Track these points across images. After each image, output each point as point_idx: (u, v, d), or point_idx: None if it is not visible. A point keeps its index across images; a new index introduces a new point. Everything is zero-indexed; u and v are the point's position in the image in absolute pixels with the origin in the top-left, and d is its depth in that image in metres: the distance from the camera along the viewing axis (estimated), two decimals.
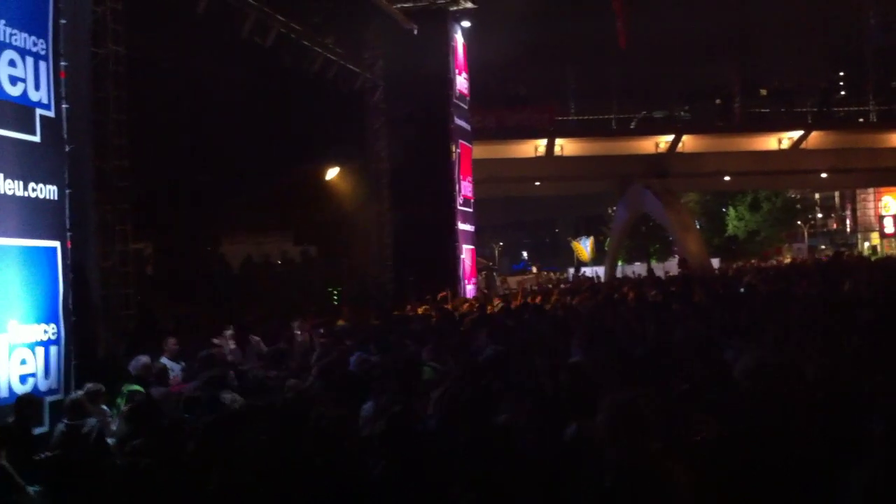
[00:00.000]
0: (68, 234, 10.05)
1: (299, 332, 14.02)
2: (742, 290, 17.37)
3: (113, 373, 9.84)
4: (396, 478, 4.90)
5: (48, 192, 9.68)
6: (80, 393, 8.51)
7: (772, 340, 7.45)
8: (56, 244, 9.84)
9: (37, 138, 9.54)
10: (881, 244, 69.37)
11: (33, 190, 9.45)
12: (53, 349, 9.66)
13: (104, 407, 8.73)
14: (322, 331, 14.21)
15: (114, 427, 8.42)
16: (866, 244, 71.35)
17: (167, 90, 15.06)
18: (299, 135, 18.70)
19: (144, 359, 10.03)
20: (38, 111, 9.60)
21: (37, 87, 9.60)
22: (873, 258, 40.78)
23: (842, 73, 62.00)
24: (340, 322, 16.21)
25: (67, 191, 10.03)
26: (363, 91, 22.07)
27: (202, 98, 15.91)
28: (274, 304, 18.96)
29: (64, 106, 10.03)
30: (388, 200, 22.65)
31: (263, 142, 17.74)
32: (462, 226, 25.47)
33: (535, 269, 65.64)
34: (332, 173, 20.69)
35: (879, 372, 6.33)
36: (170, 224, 17.11)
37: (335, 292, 22.06)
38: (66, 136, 10.05)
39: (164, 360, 10.82)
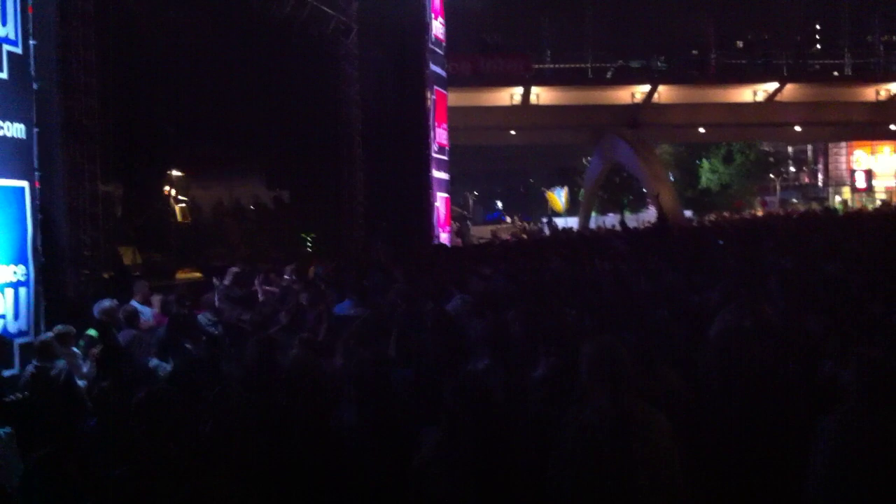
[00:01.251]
0: (37, 173, 9.89)
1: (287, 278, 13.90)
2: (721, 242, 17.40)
3: (82, 315, 9.75)
4: (370, 424, 4.88)
5: (16, 130, 9.48)
6: (49, 335, 8.42)
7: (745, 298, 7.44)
8: (24, 184, 9.67)
9: (4, 75, 9.32)
10: (852, 198, 70.01)
11: (0, 128, 9.26)
12: (23, 290, 9.55)
13: (75, 349, 8.66)
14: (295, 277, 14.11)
15: (84, 370, 8.37)
16: (837, 198, 71.99)
17: (135, 31, 14.76)
18: (270, 78, 18.42)
19: (107, 302, 9.84)
20: (5, 47, 9.36)
21: (3, 23, 9.34)
22: (842, 211, 41.13)
23: (818, 27, 62.00)
24: (312, 270, 16.14)
25: (35, 129, 9.84)
26: (336, 34, 21.74)
27: (171, 40, 15.64)
28: (245, 249, 18.87)
29: (31, 42, 9.80)
30: (361, 147, 22.44)
31: (233, 86, 17.46)
32: (436, 173, 25.38)
33: (510, 220, 65.67)
34: None
35: (847, 323, 6.39)
36: (140, 167, 16.87)
37: (308, 238, 21.93)
38: (33, 73, 9.84)
39: (133, 303, 10.70)
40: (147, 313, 10.77)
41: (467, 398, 4.21)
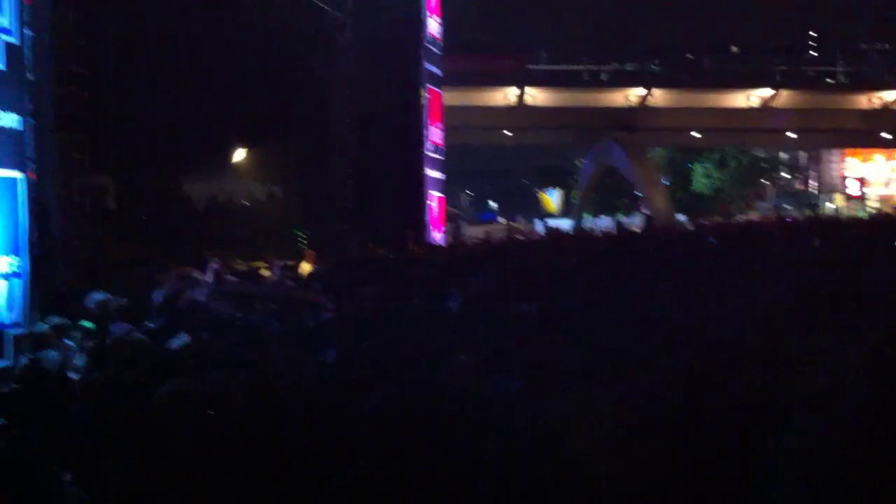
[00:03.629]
0: (31, 164, 9.91)
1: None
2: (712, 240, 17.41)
3: (74, 307, 9.76)
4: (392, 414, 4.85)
5: (10, 120, 9.50)
6: (43, 326, 8.45)
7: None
8: (18, 175, 9.69)
9: (1, 66, 9.35)
10: (845, 205, 70.20)
11: None
12: (17, 282, 9.56)
13: (68, 341, 8.67)
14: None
15: (78, 362, 8.38)
16: (829, 205, 72.17)
17: (129, 22, 14.77)
18: (264, 72, 18.43)
19: (100, 295, 9.86)
20: (2, 37, 9.38)
21: (0, 13, 9.39)
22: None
23: (811, 33, 62.16)
24: (304, 265, 16.19)
25: (30, 120, 9.86)
26: (330, 30, 21.73)
27: (165, 32, 15.63)
28: (238, 245, 18.87)
29: (27, 33, 9.82)
30: (354, 144, 22.44)
31: (227, 79, 17.46)
32: (430, 172, 25.37)
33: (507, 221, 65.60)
34: None
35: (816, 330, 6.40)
36: (132, 160, 16.87)
37: (301, 235, 21.95)
38: (28, 63, 9.86)
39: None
40: None
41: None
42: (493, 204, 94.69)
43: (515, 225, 55.63)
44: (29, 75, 9.89)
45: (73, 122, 11.58)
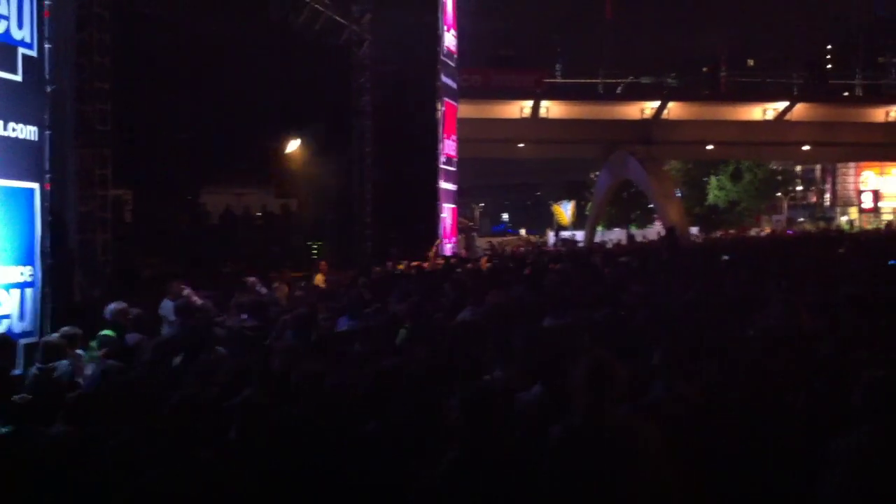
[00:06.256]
0: (47, 176, 9.94)
1: (276, 286, 13.91)
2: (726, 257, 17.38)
3: (89, 318, 9.77)
4: (391, 435, 4.85)
5: (28, 132, 9.55)
6: (54, 336, 8.44)
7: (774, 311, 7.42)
8: (35, 186, 9.73)
9: (18, 77, 9.39)
10: (859, 218, 69.94)
11: (13, 129, 9.31)
12: (29, 291, 9.59)
13: (79, 351, 8.66)
14: (303, 284, 14.15)
15: (88, 371, 8.37)
16: (844, 218, 71.92)
17: (150, 39, 14.87)
18: (283, 86, 18.52)
19: (118, 305, 9.89)
20: (21, 50, 9.44)
21: (20, 26, 9.44)
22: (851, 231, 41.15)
23: (829, 47, 62.03)
24: (318, 277, 16.17)
25: (48, 132, 9.90)
26: (349, 44, 21.84)
27: (185, 48, 15.73)
28: (252, 257, 18.87)
29: (47, 46, 9.87)
30: (371, 156, 22.52)
31: (246, 93, 17.55)
32: (444, 184, 25.41)
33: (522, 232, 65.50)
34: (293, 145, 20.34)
35: (861, 345, 6.37)
36: (150, 172, 16.94)
37: (314, 247, 21.98)
38: (48, 76, 9.90)
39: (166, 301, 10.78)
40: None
41: (482, 414, 4.21)
42: (505, 216, 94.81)
43: (528, 237, 55.58)
44: (48, 88, 9.92)
45: (95, 137, 11.62)
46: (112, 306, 9.62)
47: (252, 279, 13.15)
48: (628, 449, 4.04)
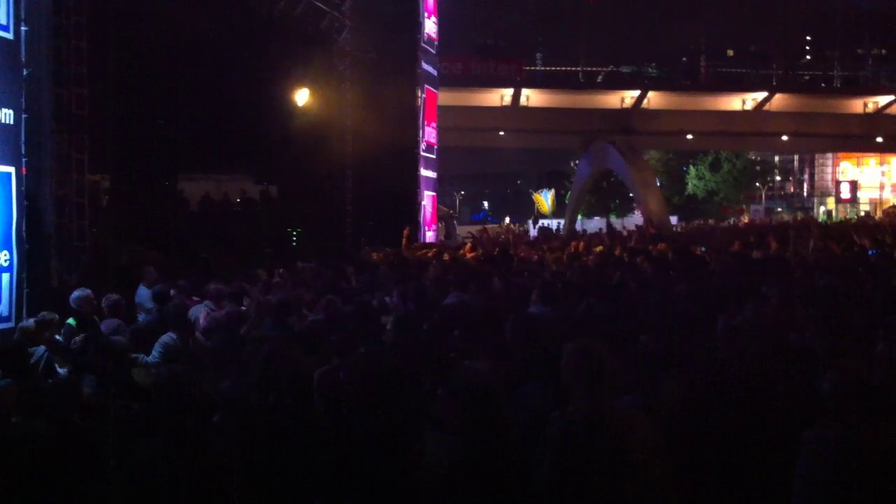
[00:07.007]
0: (24, 160, 9.85)
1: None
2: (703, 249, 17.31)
3: (66, 303, 9.67)
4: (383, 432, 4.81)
5: (4, 115, 9.46)
6: (31, 321, 8.38)
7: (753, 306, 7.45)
8: (11, 170, 9.65)
9: None
10: (836, 209, 70.43)
11: None
12: (6, 276, 9.53)
13: (57, 337, 8.58)
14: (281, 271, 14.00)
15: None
16: (822, 208, 72.41)
17: (128, 22, 14.71)
18: (263, 73, 18.43)
19: (82, 292, 9.62)
20: None
21: None
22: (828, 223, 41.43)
23: (808, 38, 62.30)
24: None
25: (24, 116, 9.81)
26: (329, 30, 21.72)
27: (163, 32, 15.58)
28: (231, 243, 18.77)
29: (23, 28, 9.77)
30: (350, 143, 22.43)
31: (224, 79, 17.43)
32: (424, 172, 25.39)
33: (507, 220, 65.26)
34: (302, 95, 20.12)
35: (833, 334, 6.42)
36: (128, 157, 16.80)
37: (294, 233, 21.88)
38: (24, 59, 9.80)
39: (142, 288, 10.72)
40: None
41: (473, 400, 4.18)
42: (485, 204, 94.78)
43: (509, 225, 55.54)
44: (24, 71, 9.83)
45: (72, 121, 11.50)
46: (76, 294, 9.24)
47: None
48: (621, 438, 4.04)
